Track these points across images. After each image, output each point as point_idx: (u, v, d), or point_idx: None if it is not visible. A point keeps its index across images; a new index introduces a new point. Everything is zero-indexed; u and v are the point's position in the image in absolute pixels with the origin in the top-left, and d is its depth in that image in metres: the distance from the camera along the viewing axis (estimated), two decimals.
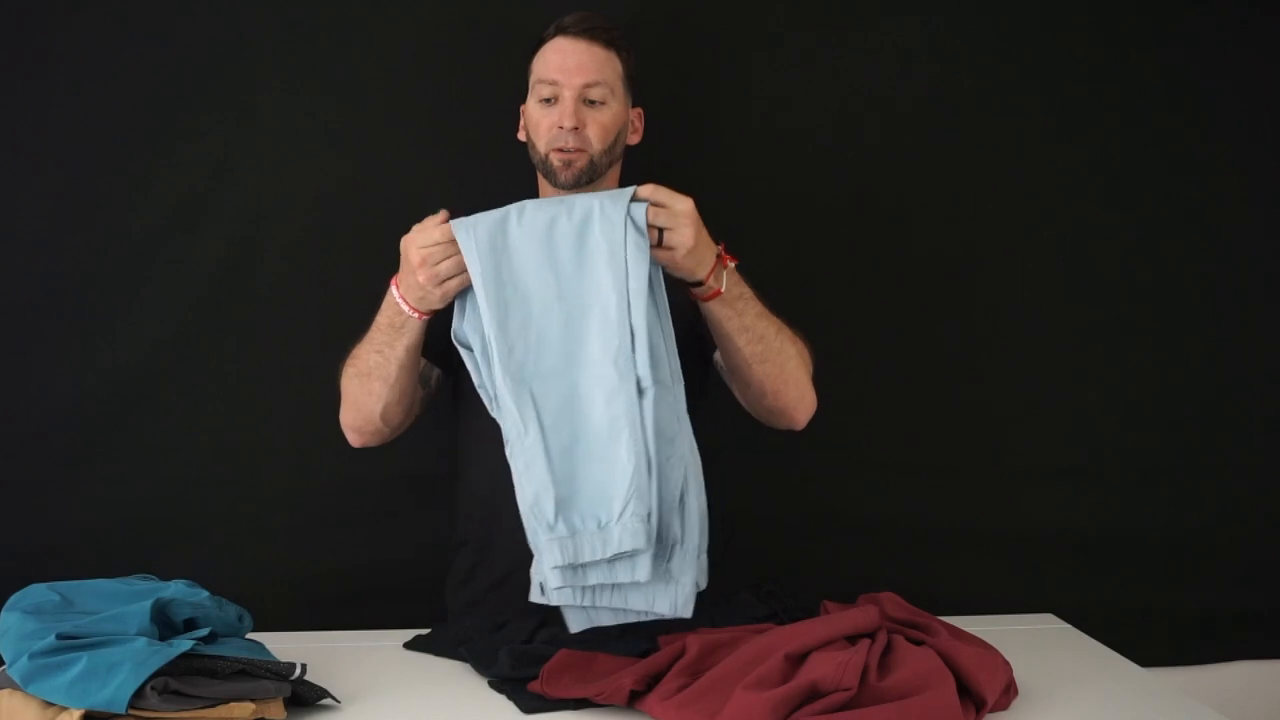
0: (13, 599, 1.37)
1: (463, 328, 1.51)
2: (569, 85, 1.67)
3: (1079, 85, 2.08)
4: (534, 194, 1.78)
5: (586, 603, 1.47)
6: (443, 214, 1.50)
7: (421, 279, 1.49)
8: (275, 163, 1.92)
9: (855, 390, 2.08)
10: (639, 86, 1.76)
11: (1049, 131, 2.09)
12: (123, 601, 1.34)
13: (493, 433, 1.54)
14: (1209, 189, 2.13)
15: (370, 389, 1.64)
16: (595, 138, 1.68)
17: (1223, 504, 2.16)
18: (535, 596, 1.47)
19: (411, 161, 1.95)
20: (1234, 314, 2.15)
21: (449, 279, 1.49)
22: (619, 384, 1.45)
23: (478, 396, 1.53)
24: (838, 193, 2.06)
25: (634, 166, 1.78)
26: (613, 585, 1.47)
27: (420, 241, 1.49)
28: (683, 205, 1.49)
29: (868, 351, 2.08)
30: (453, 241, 1.47)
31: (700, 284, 1.54)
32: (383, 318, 1.60)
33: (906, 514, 2.10)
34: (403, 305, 1.55)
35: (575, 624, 1.49)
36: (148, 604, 1.30)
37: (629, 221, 1.46)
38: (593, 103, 1.68)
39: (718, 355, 1.72)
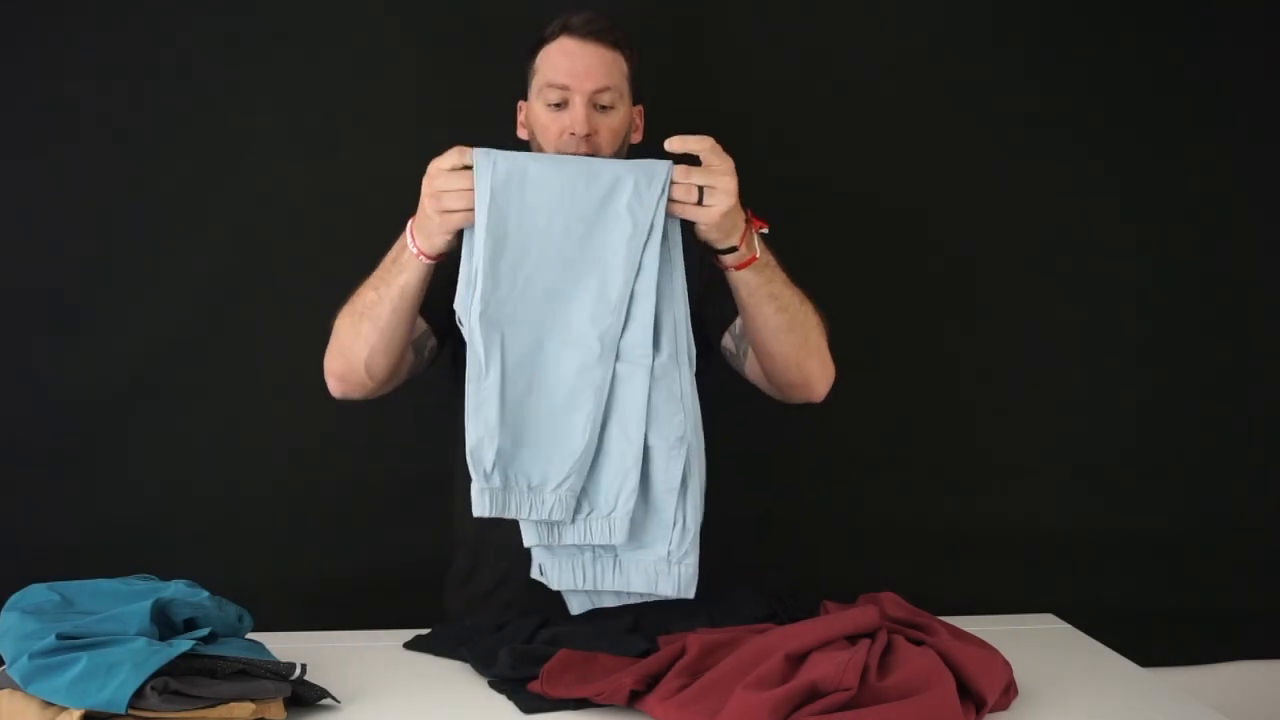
0: (13, 599, 1.37)
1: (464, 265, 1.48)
2: (579, 91, 1.64)
3: (1078, 84, 2.09)
4: None
5: (588, 586, 1.48)
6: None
7: (427, 203, 1.46)
8: (275, 163, 1.92)
9: (855, 390, 2.07)
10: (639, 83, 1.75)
11: (1047, 130, 2.09)
12: (123, 601, 1.34)
13: None
14: (1210, 188, 2.13)
15: (359, 331, 1.58)
16: (605, 143, 1.67)
17: (1223, 504, 2.16)
18: (535, 574, 1.49)
19: (412, 161, 1.94)
20: (1235, 314, 2.15)
21: (453, 210, 1.45)
22: (598, 360, 1.45)
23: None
24: (837, 193, 2.06)
25: None
26: (615, 566, 1.48)
27: (438, 163, 1.47)
28: (726, 164, 1.45)
29: (868, 351, 2.07)
30: (468, 170, 1.44)
31: (733, 250, 1.51)
32: (389, 255, 1.56)
33: (906, 514, 2.10)
34: (409, 241, 1.52)
35: (577, 606, 1.51)
36: (148, 604, 1.30)
37: (661, 202, 1.44)
38: (602, 107, 1.66)
39: (726, 339, 1.71)
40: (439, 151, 1.94)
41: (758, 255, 1.52)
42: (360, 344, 1.59)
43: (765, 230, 1.53)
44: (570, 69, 1.65)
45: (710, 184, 1.44)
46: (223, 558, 1.90)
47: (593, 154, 1.65)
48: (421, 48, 1.94)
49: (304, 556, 1.95)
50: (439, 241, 1.50)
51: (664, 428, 1.46)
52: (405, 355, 1.66)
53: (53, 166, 1.88)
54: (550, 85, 1.66)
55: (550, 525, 1.48)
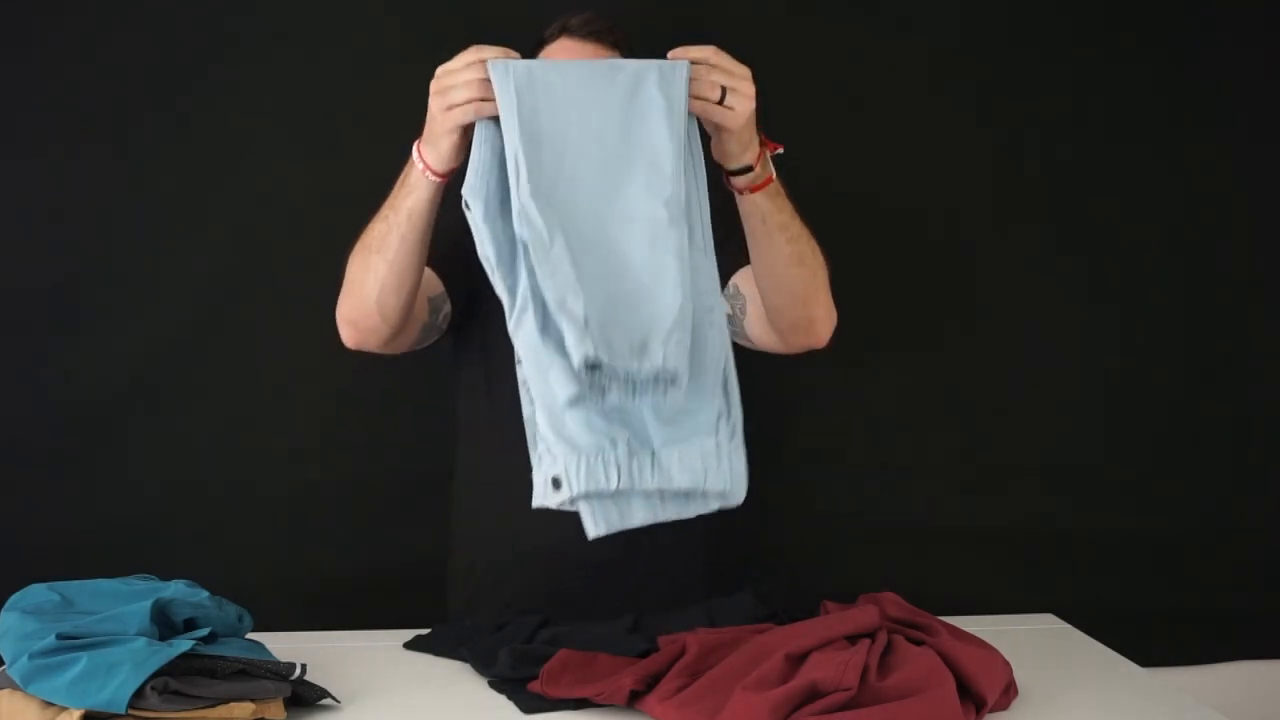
0: (13, 599, 1.37)
1: (475, 182, 1.34)
2: None
3: (1078, 84, 2.08)
4: None
5: (622, 485, 1.25)
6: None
7: (433, 101, 1.38)
8: (275, 163, 1.92)
9: (855, 390, 2.08)
10: None
11: (1048, 130, 2.09)
12: (123, 601, 1.34)
13: (491, 416, 1.52)
14: (1210, 188, 2.13)
15: (369, 265, 1.52)
16: None
17: (1223, 504, 2.16)
18: (542, 496, 1.27)
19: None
20: (1235, 314, 2.15)
21: (458, 103, 1.36)
22: (669, 225, 1.31)
23: (476, 378, 1.52)
24: (837, 193, 2.05)
25: None
26: (653, 463, 1.28)
27: (446, 65, 1.38)
28: (744, 70, 1.39)
29: (868, 351, 2.08)
30: (475, 67, 1.35)
31: (748, 170, 1.45)
32: (397, 181, 1.49)
33: (906, 514, 2.10)
34: (416, 157, 1.44)
35: (600, 524, 1.26)
36: (148, 604, 1.30)
37: (685, 90, 1.34)
38: None
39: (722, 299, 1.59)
40: None
41: (773, 177, 1.47)
42: (371, 279, 1.52)
43: (780, 151, 1.48)
44: None
45: (732, 85, 1.37)
46: (223, 558, 1.90)
47: None
48: (422, 48, 1.94)
49: (304, 556, 1.95)
50: (445, 146, 1.40)
51: (706, 315, 1.32)
52: (419, 303, 1.59)
53: (53, 166, 1.88)
54: None
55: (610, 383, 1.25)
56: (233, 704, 1.26)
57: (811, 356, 2.03)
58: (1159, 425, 2.15)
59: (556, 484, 1.25)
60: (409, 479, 1.96)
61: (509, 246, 1.31)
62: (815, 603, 1.57)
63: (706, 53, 1.37)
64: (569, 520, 1.28)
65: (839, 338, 2.05)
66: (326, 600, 1.93)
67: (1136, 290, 2.13)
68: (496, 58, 1.35)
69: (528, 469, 1.31)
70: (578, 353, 1.23)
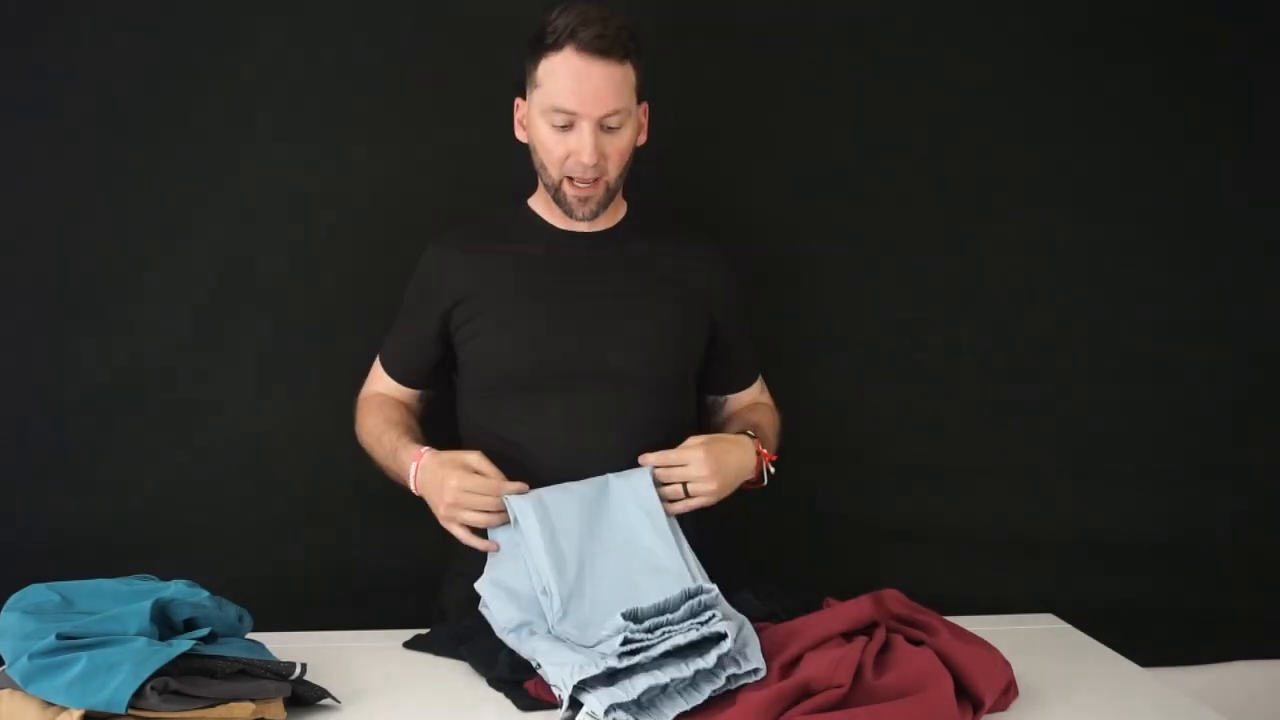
0: (13, 599, 1.37)
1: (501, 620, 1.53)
2: (587, 117, 1.60)
3: (1077, 83, 2.08)
4: (530, 191, 1.78)
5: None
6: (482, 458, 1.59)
7: (442, 512, 1.60)
8: (275, 163, 1.92)
9: (855, 391, 2.08)
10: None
11: (1048, 130, 2.08)
12: (123, 601, 1.34)
13: (491, 416, 1.62)
14: (1211, 188, 2.12)
15: (374, 453, 1.77)
16: (612, 166, 1.66)
17: (1223, 504, 2.16)
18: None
19: (411, 161, 1.95)
20: (1235, 314, 2.15)
21: (471, 525, 1.59)
22: (675, 580, 1.52)
23: (475, 380, 1.64)
24: (837, 193, 2.06)
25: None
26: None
27: (465, 486, 1.58)
28: (691, 454, 1.59)
29: (869, 352, 2.08)
30: (490, 498, 1.57)
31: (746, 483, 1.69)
32: (392, 461, 1.70)
33: (907, 514, 2.10)
34: (412, 485, 1.66)
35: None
36: (148, 604, 1.30)
37: (654, 490, 1.59)
38: (610, 129, 1.63)
39: (709, 398, 1.87)
40: (439, 150, 1.96)
41: (764, 483, 1.68)
42: (375, 458, 1.78)
43: (774, 460, 1.69)
44: (578, 94, 1.60)
45: (687, 477, 1.59)
46: (223, 558, 1.90)
47: (599, 176, 1.65)
48: (421, 48, 1.94)
49: (304, 557, 1.95)
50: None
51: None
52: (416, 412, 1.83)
53: (53, 167, 1.88)
54: (556, 109, 1.61)
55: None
56: (233, 704, 1.26)
57: (811, 357, 2.04)
58: (1159, 425, 2.14)
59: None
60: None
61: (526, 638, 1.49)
62: (816, 602, 1.57)
63: (658, 458, 1.60)
64: None
65: (839, 337, 2.06)
66: (326, 600, 1.93)
67: (1137, 291, 2.12)
68: (513, 494, 1.57)
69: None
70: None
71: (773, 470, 1.70)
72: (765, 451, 1.68)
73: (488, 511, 1.57)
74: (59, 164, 1.87)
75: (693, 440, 1.62)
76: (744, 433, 1.71)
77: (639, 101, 1.69)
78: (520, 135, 1.73)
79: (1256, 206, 2.14)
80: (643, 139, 1.73)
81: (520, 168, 1.75)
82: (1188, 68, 2.09)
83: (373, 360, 1.85)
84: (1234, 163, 2.12)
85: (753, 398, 1.89)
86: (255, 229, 1.92)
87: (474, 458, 1.59)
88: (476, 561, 1.75)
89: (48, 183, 1.88)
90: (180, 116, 1.89)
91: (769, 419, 1.84)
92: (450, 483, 1.57)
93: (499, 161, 1.84)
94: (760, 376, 1.91)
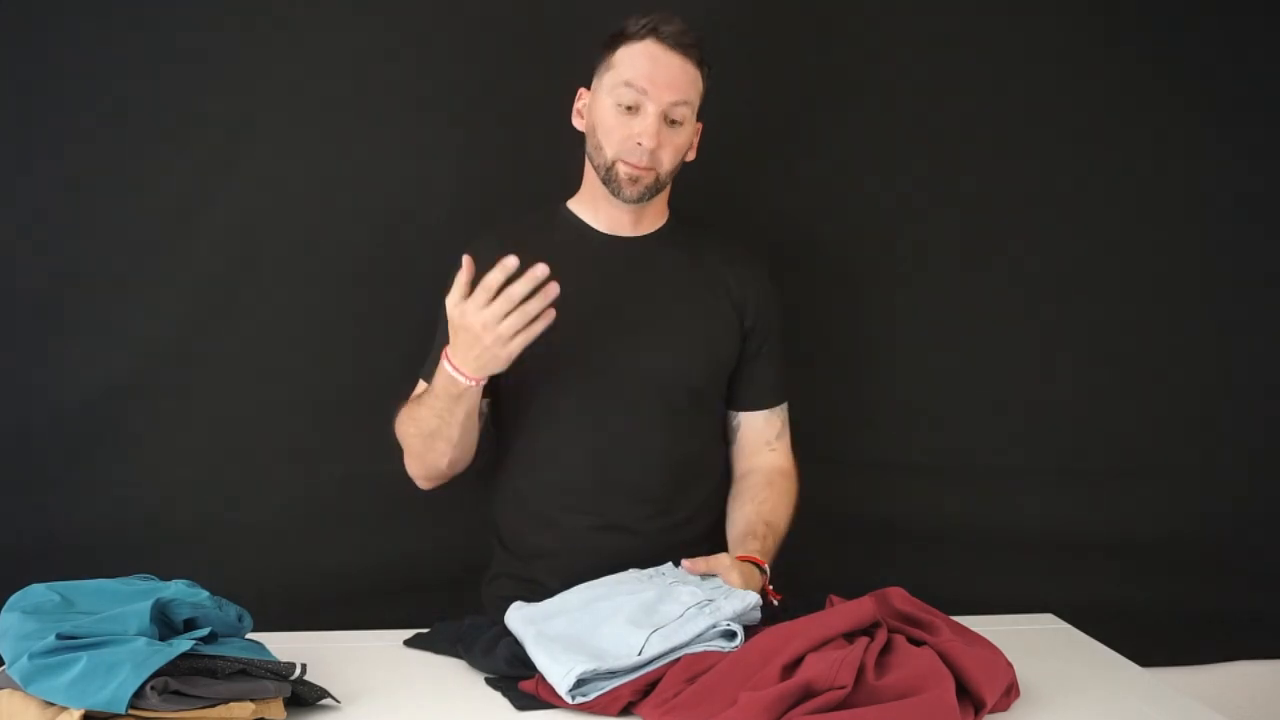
0: (13, 599, 1.37)
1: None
2: (656, 99, 1.62)
3: (1078, 83, 2.08)
4: (566, 186, 1.78)
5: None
6: (468, 262, 1.50)
7: (488, 341, 1.49)
8: (275, 163, 1.92)
9: (855, 391, 2.08)
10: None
11: (1048, 130, 2.08)
12: (123, 601, 1.34)
13: (522, 415, 1.62)
14: (1211, 189, 2.13)
15: (435, 447, 1.65)
16: (667, 159, 1.66)
17: (1223, 504, 2.16)
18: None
19: (412, 161, 1.95)
20: (1234, 313, 2.15)
21: (514, 336, 1.49)
22: (698, 639, 1.46)
23: (507, 377, 1.58)
24: (837, 193, 2.06)
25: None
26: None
27: (477, 313, 1.48)
28: (720, 562, 1.58)
29: (869, 352, 2.08)
30: (511, 312, 1.47)
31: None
32: (439, 386, 1.58)
33: (906, 514, 2.10)
34: (458, 377, 1.54)
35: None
36: (148, 604, 1.30)
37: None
38: (673, 122, 1.65)
39: (730, 414, 1.82)
40: (437, 150, 1.95)
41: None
42: (440, 457, 1.66)
43: (777, 600, 1.64)
44: (651, 74, 1.62)
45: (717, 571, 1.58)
46: (223, 558, 1.90)
47: (652, 166, 1.65)
48: (421, 47, 1.94)
49: (304, 557, 1.95)
50: (499, 366, 1.53)
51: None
52: (478, 436, 1.70)
53: (53, 166, 1.88)
54: (628, 85, 1.62)
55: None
56: (233, 704, 1.26)
57: (811, 357, 2.04)
58: (1159, 425, 2.14)
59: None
60: (408, 479, 1.95)
61: None
62: (818, 602, 1.57)
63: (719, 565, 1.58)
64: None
65: (839, 338, 2.06)
66: (326, 600, 1.93)
67: (1136, 291, 2.13)
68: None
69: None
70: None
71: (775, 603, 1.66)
72: (771, 589, 1.64)
73: (511, 313, 1.48)
74: (59, 165, 1.87)
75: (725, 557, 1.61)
76: (752, 560, 1.67)
77: (696, 118, 1.71)
78: (577, 123, 1.73)
79: (1258, 206, 2.14)
80: (692, 155, 1.74)
81: (524, 171, 1.75)
82: (1189, 67, 2.09)
83: (377, 366, 1.86)
84: (1235, 163, 2.12)
85: (765, 438, 1.83)
86: (255, 230, 1.92)
87: (456, 295, 1.50)
88: (514, 562, 1.75)
89: (47, 184, 1.88)
90: (181, 118, 1.89)
91: (783, 513, 1.78)
92: (474, 330, 1.50)
93: (501, 163, 1.85)
94: (784, 423, 1.85)
